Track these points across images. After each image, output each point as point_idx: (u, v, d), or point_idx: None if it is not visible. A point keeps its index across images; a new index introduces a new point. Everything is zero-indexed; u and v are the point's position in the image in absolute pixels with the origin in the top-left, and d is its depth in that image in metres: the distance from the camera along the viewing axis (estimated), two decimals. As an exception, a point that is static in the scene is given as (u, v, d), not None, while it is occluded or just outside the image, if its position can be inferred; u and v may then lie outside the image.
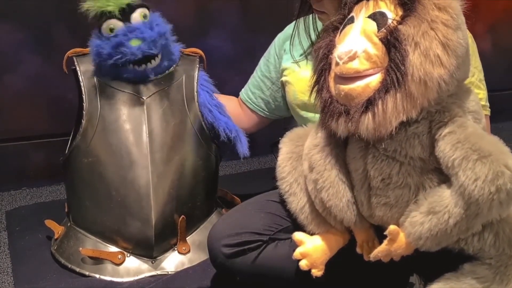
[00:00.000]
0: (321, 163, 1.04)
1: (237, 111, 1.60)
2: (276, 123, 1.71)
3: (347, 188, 1.03)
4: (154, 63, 1.38)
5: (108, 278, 1.36)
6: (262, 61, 1.60)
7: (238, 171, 2.13)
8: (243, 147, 1.49)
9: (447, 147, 0.91)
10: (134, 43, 1.32)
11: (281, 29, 1.57)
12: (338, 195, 1.03)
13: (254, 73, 1.62)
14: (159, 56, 1.38)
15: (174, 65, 1.46)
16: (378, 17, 0.93)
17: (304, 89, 1.40)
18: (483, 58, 1.33)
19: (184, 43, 1.47)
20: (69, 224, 1.47)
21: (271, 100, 1.58)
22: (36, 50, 1.79)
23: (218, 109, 1.49)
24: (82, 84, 1.40)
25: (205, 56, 1.51)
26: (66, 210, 1.52)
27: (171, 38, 1.43)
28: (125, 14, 1.34)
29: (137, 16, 1.35)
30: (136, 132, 1.38)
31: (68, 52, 1.42)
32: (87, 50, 1.42)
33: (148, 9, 1.38)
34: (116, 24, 1.34)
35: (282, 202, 1.20)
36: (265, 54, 1.59)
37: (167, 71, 1.44)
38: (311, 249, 1.09)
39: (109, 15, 1.33)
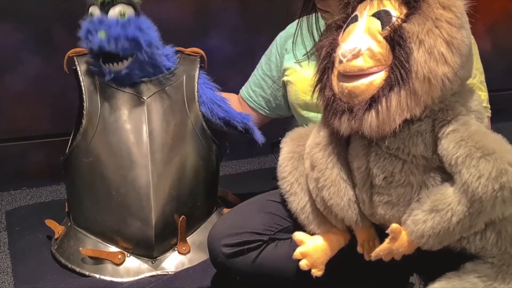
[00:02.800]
0: (323, 161, 1.04)
1: (236, 108, 1.59)
2: (276, 123, 1.71)
3: (349, 186, 1.03)
4: (125, 64, 1.36)
5: (108, 278, 1.36)
6: (263, 60, 1.60)
7: (238, 171, 2.13)
8: (258, 134, 1.51)
9: (450, 145, 0.91)
10: (101, 35, 1.32)
11: (281, 29, 1.57)
12: (339, 193, 1.03)
13: (255, 71, 1.62)
14: (128, 59, 1.36)
15: (174, 66, 1.45)
16: (382, 16, 0.93)
17: (305, 89, 1.40)
18: (483, 58, 1.33)
19: (184, 43, 1.47)
20: (69, 224, 1.47)
21: (272, 99, 1.58)
22: (36, 50, 1.79)
23: (226, 103, 1.50)
24: (82, 84, 1.40)
25: (205, 56, 1.51)
26: (66, 210, 1.52)
27: (158, 43, 1.41)
28: (105, 6, 1.35)
29: (115, 12, 1.35)
30: (137, 132, 1.38)
31: (69, 52, 1.42)
32: (87, 50, 1.42)
33: (136, 9, 1.38)
34: (95, 11, 1.36)
35: (282, 202, 1.21)
36: (266, 52, 1.59)
37: (167, 71, 1.44)
38: (312, 249, 1.09)
39: (93, 2, 1.35)
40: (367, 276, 1.20)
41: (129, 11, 1.37)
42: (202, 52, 1.50)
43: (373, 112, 0.91)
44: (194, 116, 1.45)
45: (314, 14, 1.42)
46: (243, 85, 1.66)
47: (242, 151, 2.08)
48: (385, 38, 0.92)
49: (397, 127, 0.92)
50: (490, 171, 0.87)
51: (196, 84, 1.47)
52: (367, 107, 0.91)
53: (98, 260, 1.38)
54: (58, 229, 1.48)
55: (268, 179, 1.58)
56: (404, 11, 0.93)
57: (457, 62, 0.90)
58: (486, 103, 1.33)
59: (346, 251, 1.12)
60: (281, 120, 1.71)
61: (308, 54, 1.43)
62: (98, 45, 1.32)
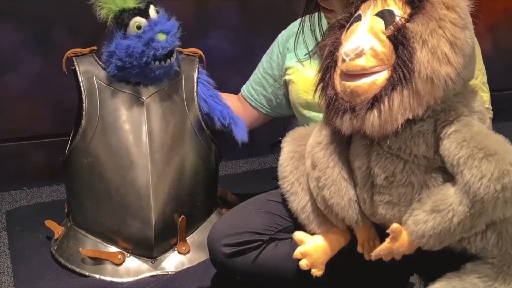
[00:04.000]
0: (324, 160, 1.04)
1: (236, 107, 1.59)
2: (276, 123, 1.71)
3: (349, 186, 1.03)
4: (174, 56, 1.38)
5: (108, 278, 1.36)
6: (264, 58, 1.59)
7: (238, 171, 2.13)
8: (240, 132, 1.48)
9: (452, 145, 0.91)
10: (161, 37, 1.33)
11: (281, 29, 1.57)
12: (340, 193, 1.03)
13: (256, 70, 1.62)
14: (173, 55, 1.39)
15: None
16: (386, 15, 0.93)
17: (307, 88, 1.40)
18: (483, 58, 1.33)
19: (184, 43, 1.47)
20: (69, 225, 1.47)
21: (273, 98, 1.58)
22: (36, 50, 1.79)
23: (214, 98, 1.49)
24: (81, 84, 1.40)
25: (205, 56, 1.51)
26: (66, 210, 1.51)
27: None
28: (143, 10, 1.33)
29: (152, 11, 1.35)
30: (136, 132, 1.38)
31: (68, 52, 1.42)
32: (86, 50, 1.42)
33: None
34: (141, 21, 1.33)
35: (283, 202, 1.21)
36: (268, 51, 1.59)
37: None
38: (312, 248, 1.09)
39: (130, 13, 1.33)
40: (367, 276, 1.20)
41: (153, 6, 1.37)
42: (200, 52, 1.50)
43: (375, 112, 0.91)
44: (193, 116, 1.45)
45: (316, 13, 1.42)
46: (243, 85, 1.66)
47: (242, 151, 2.08)
48: (388, 37, 0.92)
49: (399, 126, 0.91)
50: (492, 172, 0.87)
51: (195, 84, 1.47)
52: (369, 106, 0.91)
53: (98, 260, 1.38)
54: (57, 230, 1.48)
55: (268, 179, 1.58)
56: (408, 10, 0.93)
57: (460, 62, 0.90)
58: (488, 104, 1.33)
59: (346, 251, 1.12)
60: (281, 120, 1.71)
61: (310, 53, 1.43)
62: (170, 45, 1.33)
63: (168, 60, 1.36)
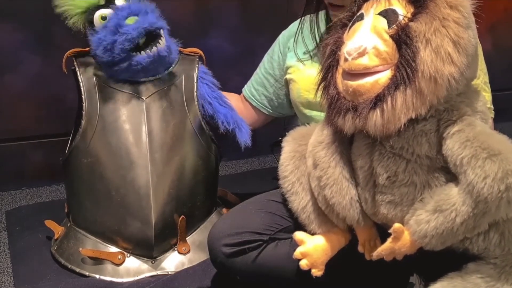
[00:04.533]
0: (325, 160, 1.04)
1: (238, 107, 1.59)
2: (276, 123, 1.71)
3: (351, 185, 1.03)
4: (162, 42, 1.32)
5: (108, 278, 1.36)
6: (265, 58, 1.59)
7: (238, 171, 2.13)
8: (243, 136, 1.47)
9: (455, 145, 0.91)
10: (130, 21, 1.27)
11: (281, 28, 1.57)
12: (341, 192, 1.03)
13: (258, 70, 1.61)
14: (162, 32, 1.32)
15: (174, 65, 1.45)
16: (389, 14, 0.93)
17: (308, 87, 1.40)
18: (484, 58, 1.33)
19: (184, 43, 1.47)
20: (69, 225, 1.47)
21: (274, 98, 1.58)
22: (36, 50, 1.79)
23: (218, 100, 1.49)
24: (81, 84, 1.40)
25: (205, 56, 1.51)
26: (66, 210, 1.51)
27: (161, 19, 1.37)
28: (106, 1, 1.31)
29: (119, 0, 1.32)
30: (136, 132, 1.38)
31: (68, 52, 1.42)
32: (86, 50, 1.42)
33: None
34: (104, 11, 1.31)
35: (283, 202, 1.21)
36: (269, 51, 1.59)
37: (166, 71, 1.44)
38: (312, 248, 1.09)
39: (93, 9, 1.31)
40: (367, 276, 1.20)
41: None
42: (200, 52, 1.50)
43: (378, 111, 0.91)
44: (193, 116, 1.45)
45: (317, 13, 1.42)
46: (243, 85, 1.65)
47: (242, 151, 2.07)
48: (391, 36, 0.92)
49: (402, 126, 0.91)
50: (496, 172, 0.87)
51: (195, 84, 1.47)
52: (372, 105, 0.91)
53: (98, 260, 1.38)
54: (57, 230, 1.48)
55: (268, 179, 1.58)
56: (411, 10, 0.93)
57: (463, 62, 0.90)
58: (489, 104, 1.33)
59: (347, 251, 1.12)
60: (281, 120, 1.71)
61: (311, 53, 1.43)
62: (142, 28, 1.26)
63: (154, 47, 1.30)
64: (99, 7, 1.32)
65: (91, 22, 1.33)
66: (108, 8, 1.32)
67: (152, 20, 1.30)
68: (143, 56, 1.32)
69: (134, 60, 1.32)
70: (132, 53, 1.31)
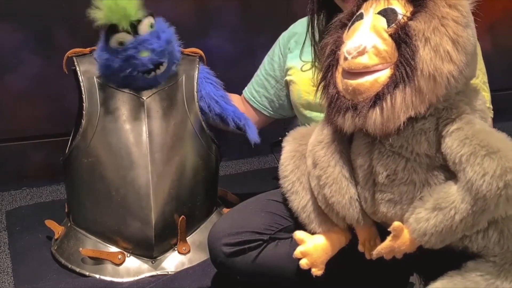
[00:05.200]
0: (325, 159, 1.04)
1: (239, 108, 1.59)
2: (276, 123, 1.71)
3: (350, 184, 1.03)
4: (162, 68, 1.37)
5: (108, 278, 1.36)
6: (266, 60, 1.59)
7: (238, 171, 2.13)
8: (253, 134, 1.49)
9: (454, 143, 0.91)
10: (144, 54, 1.32)
11: (281, 29, 1.57)
12: (341, 191, 1.03)
13: (258, 71, 1.61)
14: (166, 61, 1.38)
15: (174, 67, 1.45)
16: (388, 13, 0.93)
17: (308, 89, 1.40)
18: (483, 58, 1.33)
19: (184, 43, 1.47)
20: (69, 224, 1.47)
21: (275, 99, 1.58)
22: (36, 50, 1.79)
23: (224, 99, 1.50)
24: (82, 84, 1.40)
25: (205, 56, 1.51)
26: (66, 210, 1.51)
27: (175, 41, 1.42)
28: (133, 26, 1.31)
29: (144, 27, 1.33)
30: (136, 132, 1.38)
31: (68, 52, 1.42)
32: (87, 50, 1.42)
33: (153, 16, 1.36)
34: (125, 37, 1.32)
35: (283, 202, 1.21)
36: (269, 52, 1.59)
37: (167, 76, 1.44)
38: (312, 248, 1.09)
39: (118, 28, 1.31)
40: (367, 275, 1.20)
41: (152, 20, 1.35)
42: (201, 52, 1.50)
43: (377, 109, 0.91)
44: (193, 116, 1.45)
45: (318, 12, 1.41)
46: (243, 85, 1.65)
47: (242, 151, 2.08)
48: (391, 35, 0.92)
49: (401, 125, 0.92)
50: (494, 169, 0.87)
51: (195, 84, 1.47)
52: (371, 104, 0.92)
53: (98, 260, 1.38)
54: (58, 230, 1.48)
55: (268, 179, 1.58)
56: (410, 9, 0.93)
57: (462, 60, 0.90)
58: (488, 104, 1.33)
59: (347, 251, 1.12)
60: (281, 120, 1.71)
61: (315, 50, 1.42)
62: (151, 63, 1.33)
63: (153, 73, 1.36)
64: (122, 30, 1.32)
65: (107, 32, 1.33)
66: (129, 34, 1.31)
67: (162, 55, 1.35)
68: (141, 77, 1.36)
69: (131, 77, 1.36)
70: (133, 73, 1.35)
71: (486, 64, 1.34)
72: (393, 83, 0.90)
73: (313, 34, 1.42)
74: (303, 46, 1.46)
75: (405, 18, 0.92)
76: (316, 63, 1.41)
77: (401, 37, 0.90)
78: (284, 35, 1.55)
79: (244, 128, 1.48)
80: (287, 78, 1.50)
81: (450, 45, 0.89)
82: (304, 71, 1.44)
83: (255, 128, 1.51)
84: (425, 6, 0.91)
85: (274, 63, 1.56)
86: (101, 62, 1.36)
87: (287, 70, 1.50)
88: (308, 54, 1.44)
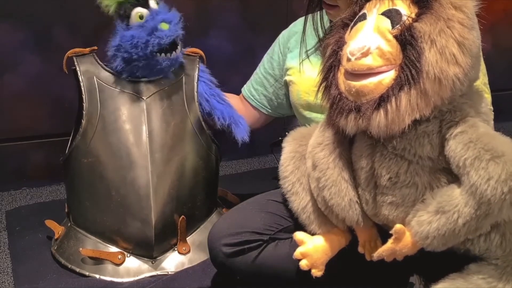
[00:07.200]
0: (324, 161, 1.04)
1: (238, 107, 1.59)
2: (276, 123, 1.71)
3: (350, 187, 1.03)
4: (179, 49, 1.39)
5: (108, 278, 1.36)
6: (265, 58, 1.59)
7: (238, 171, 2.13)
8: (241, 132, 1.48)
9: (458, 146, 0.91)
10: (164, 27, 1.33)
11: (281, 28, 1.57)
12: (340, 193, 1.03)
13: (257, 70, 1.61)
14: (180, 38, 1.39)
15: (177, 65, 1.45)
16: (392, 14, 0.93)
17: (308, 89, 1.40)
18: (483, 58, 1.33)
19: (184, 43, 1.47)
20: (69, 224, 1.47)
21: (274, 98, 1.58)
22: (36, 50, 1.79)
23: (216, 97, 1.50)
24: (82, 84, 1.40)
25: (205, 56, 1.51)
26: (66, 210, 1.51)
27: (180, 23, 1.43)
28: (143, 1, 1.34)
29: (153, 2, 1.36)
30: (136, 132, 1.38)
31: (68, 52, 1.42)
32: (87, 50, 1.42)
33: None
34: (143, 11, 1.34)
35: (283, 202, 1.21)
36: (269, 51, 1.59)
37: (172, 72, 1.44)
38: (312, 249, 1.09)
39: (132, 4, 1.34)
40: (367, 276, 1.20)
41: None
42: (201, 52, 1.50)
43: (382, 112, 0.90)
44: (193, 116, 1.45)
45: (319, 11, 1.41)
46: (243, 85, 1.65)
47: (242, 151, 2.08)
48: (395, 37, 0.91)
49: (406, 127, 0.91)
50: (499, 173, 0.87)
51: (195, 84, 1.47)
52: (376, 106, 0.91)
53: (98, 260, 1.38)
54: (58, 230, 1.48)
55: (268, 179, 1.58)
56: (415, 10, 0.92)
57: (468, 63, 0.89)
58: (489, 105, 1.33)
59: (347, 252, 1.12)
60: (281, 120, 1.71)
61: (308, 52, 1.42)
62: (173, 34, 1.34)
63: (174, 52, 1.37)
64: (135, 4, 1.35)
65: (122, 15, 1.35)
66: (145, 8, 1.35)
67: (180, 31, 1.37)
68: (163, 58, 1.36)
69: (154, 60, 1.36)
70: (155, 54, 1.35)
71: (487, 64, 1.34)
72: (398, 85, 0.89)
73: (317, 30, 1.41)
74: (302, 43, 1.46)
75: (409, 19, 0.91)
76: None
77: (406, 39, 0.90)
78: (284, 34, 1.55)
79: (230, 128, 1.48)
80: (287, 78, 1.50)
81: (456, 47, 0.88)
82: (303, 65, 1.44)
83: (247, 126, 1.50)
84: (430, 8, 0.90)
85: (273, 61, 1.56)
86: (122, 42, 1.34)
87: (287, 70, 1.50)
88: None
